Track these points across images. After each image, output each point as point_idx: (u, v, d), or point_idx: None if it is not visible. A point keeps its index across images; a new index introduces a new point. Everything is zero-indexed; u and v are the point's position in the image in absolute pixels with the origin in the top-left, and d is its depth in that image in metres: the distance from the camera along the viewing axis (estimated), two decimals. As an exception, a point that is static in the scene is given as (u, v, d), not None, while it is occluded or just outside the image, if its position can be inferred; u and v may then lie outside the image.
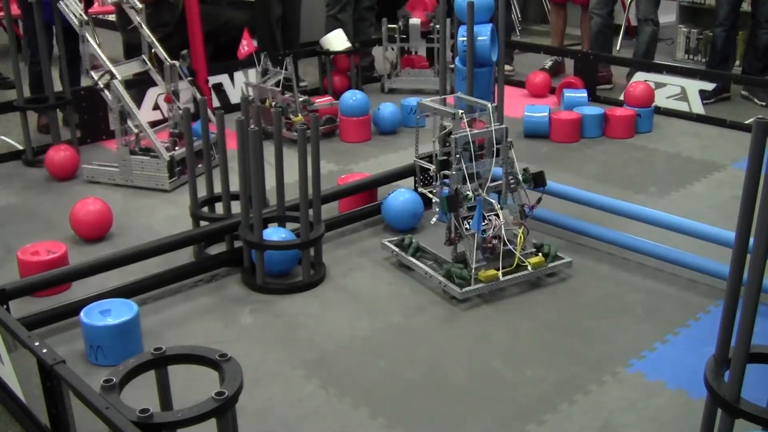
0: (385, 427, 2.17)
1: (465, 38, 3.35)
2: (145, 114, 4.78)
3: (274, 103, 4.28)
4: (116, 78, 3.82)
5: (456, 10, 3.45)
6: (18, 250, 2.96)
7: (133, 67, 4.13)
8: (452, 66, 3.72)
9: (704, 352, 1.94)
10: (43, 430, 2.07)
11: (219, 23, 5.12)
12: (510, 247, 2.82)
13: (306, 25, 5.92)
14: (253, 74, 4.58)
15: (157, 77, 4.16)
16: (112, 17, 6.91)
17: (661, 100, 4.91)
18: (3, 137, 4.61)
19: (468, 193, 2.80)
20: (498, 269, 2.79)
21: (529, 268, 2.83)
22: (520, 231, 2.85)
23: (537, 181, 2.95)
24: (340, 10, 5.56)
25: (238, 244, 3.02)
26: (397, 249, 3.05)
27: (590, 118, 4.49)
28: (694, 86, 4.86)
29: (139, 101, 4.78)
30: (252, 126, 2.90)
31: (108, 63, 3.85)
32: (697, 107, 4.85)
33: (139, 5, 4.10)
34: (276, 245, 2.89)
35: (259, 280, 2.89)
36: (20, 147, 4.38)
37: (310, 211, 2.92)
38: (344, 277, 2.99)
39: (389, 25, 5.41)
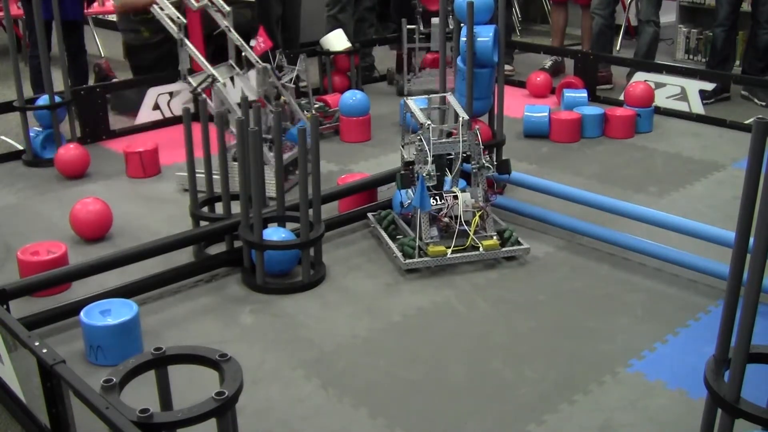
0: (385, 427, 2.17)
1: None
2: (145, 114, 4.78)
3: (284, 101, 4.19)
4: (218, 81, 3.71)
5: (456, 10, 3.45)
6: (18, 250, 2.96)
7: (221, 72, 3.93)
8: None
9: (704, 352, 1.94)
10: (43, 430, 2.07)
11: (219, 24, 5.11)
12: (465, 227, 2.96)
13: (306, 25, 5.91)
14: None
15: (246, 82, 3.99)
16: (112, 17, 6.92)
17: (661, 100, 4.90)
18: (3, 137, 4.61)
19: (424, 173, 2.92)
20: (449, 246, 2.94)
21: (481, 249, 2.96)
22: (477, 214, 2.98)
23: (500, 168, 3.12)
24: (339, 10, 5.56)
25: (238, 244, 3.02)
26: (374, 222, 3.27)
27: (590, 118, 4.49)
28: (694, 86, 4.86)
29: (138, 101, 4.78)
30: (252, 126, 2.90)
31: (209, 67, 3.74)
32: (697, 107, 4.85)
33: (227, 8, 3.98)
34: (276, 245, 2.89)
35: (259, 280, 2.89)
36: (20, 147, 4.38)
37: (310, 211, 2.92)
38: (344, 277, 2.99)
39: (408, 26, 5.27)
